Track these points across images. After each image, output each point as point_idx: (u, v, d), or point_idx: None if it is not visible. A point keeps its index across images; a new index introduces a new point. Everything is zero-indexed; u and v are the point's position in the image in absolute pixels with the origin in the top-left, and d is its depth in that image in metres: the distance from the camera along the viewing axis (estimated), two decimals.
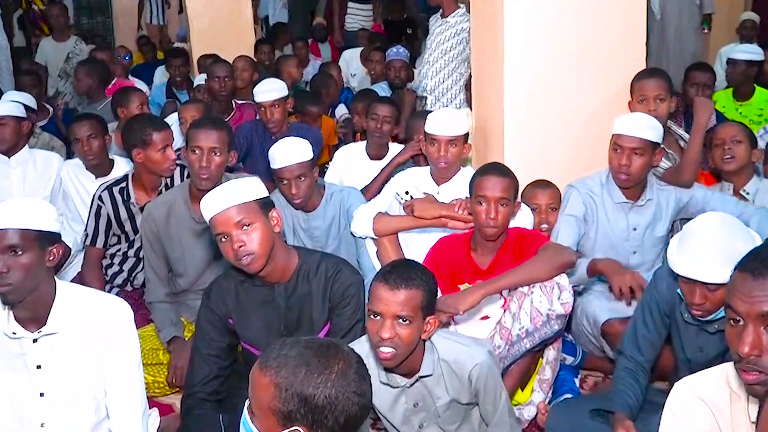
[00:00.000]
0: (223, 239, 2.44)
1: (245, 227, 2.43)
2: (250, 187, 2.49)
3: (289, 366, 1.62)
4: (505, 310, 2.93)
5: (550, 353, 3.04)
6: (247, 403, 1.69)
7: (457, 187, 3.46)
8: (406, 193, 3.46)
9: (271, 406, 1.61)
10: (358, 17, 9.58)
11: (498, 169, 3.01)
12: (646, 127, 3.23)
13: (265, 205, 2.50)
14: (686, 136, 3.77)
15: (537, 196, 3.47)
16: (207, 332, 2.67)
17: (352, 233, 3.48)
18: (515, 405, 2.94)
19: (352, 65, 8.12)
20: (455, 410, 2.41)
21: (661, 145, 3.33)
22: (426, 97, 5.23)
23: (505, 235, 2.99)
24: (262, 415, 1.63)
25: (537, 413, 2.95)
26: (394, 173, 3.94)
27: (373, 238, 3.43)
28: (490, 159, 3.88)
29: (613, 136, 3.29)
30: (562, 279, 2.87)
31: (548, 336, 2.87)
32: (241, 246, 2.42)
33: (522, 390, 3.01)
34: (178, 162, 3.80)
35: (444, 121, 3.49)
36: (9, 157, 4.30)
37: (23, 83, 6.29)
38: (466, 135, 3.54)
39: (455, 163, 3.51)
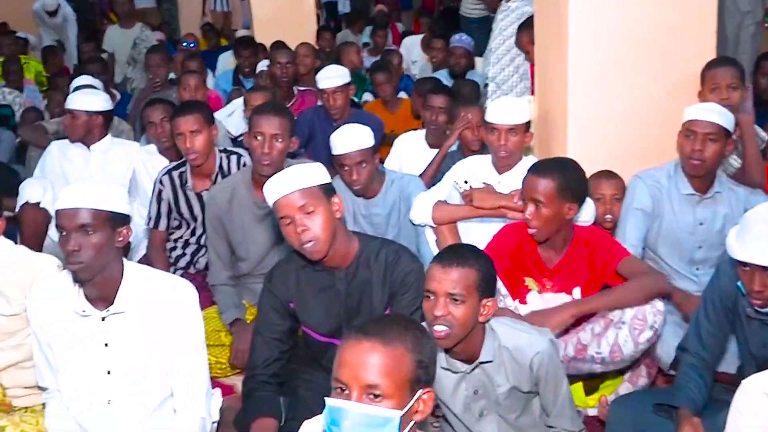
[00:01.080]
0: (287, 223, 2.47)
1: (309, 212, 2.45)
2: (313, 173, 2.51)
3: (407, 335, 1.69)
4: (587, 325, 2.88)
5: (641, 380, 3.04)
6: (351, 398, 1.64)
7: (519, 177, 3.39)
8: (465, 182, 3.44)
9: (406, 377, 1.65)
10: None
11: (543, 169, 2.92)
12: (720, 114, 3.16)
13: (328, 190, 2.52)
14: (761, 132, 3.68)
15: (602, 187, 3.42)
16: (268, 316, 2.70)
17: (411, 221, 3.49)
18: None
19: (413, 52, 8.10)
20: (516, 399, 2.40)
21: (734, 136, 3.26)
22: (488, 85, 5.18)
23: (572, 233, 2.95)
24: (394, 390, 1.64)
25: (599, 406, 2.92)
26: (455, 161, 3.93)
27: (432, 226, 3.43)
28: (553, 148, 3.84)
29: (684, 123, 3.22)
30: (657, 304, 2.82)
31: (619, 367, 2.89)
32: (304, 230, 2.44)
33: (586, 394, 2.99)
34: (232, 150, 3.85)
35: (504, 109, 3.45)
36: (89, 147, 4.37)
37: (91, 70, 6.44)
38: (528, 123, 3.50)
39: (516, 152, 3.47)
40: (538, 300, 2.97)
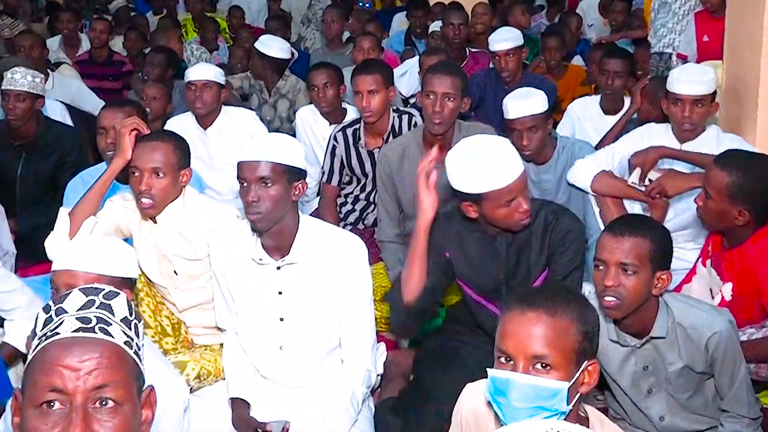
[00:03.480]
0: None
1: None
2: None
3: (571, 305, 1.66)
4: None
5: None
6: (517, 370, 1.62)
7: (701, 148, 3.23)
8: (648, 179, 3.20)
9: (572, 348, 1.63)
10: None
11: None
12: None
13: None
14: None
15: None
16: None
17: (567, 180, 3.39)
18: None
19: (589, 15, 7.80)
20: (688, 378, 2.30)
21: None
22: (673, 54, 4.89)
23: (751, 232, 2.65)
24: (561, 361, 1.62)
25: None
26: (627, 129, 3.77)
27: (592, 194, 3.31)
28: (742, 121, 3.61)
29: None
30: None
31: None
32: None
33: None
34: (404, 110, 3.87)
35: (690, 78, 3.23)
36: (205, 129, 4.25)
37: (272, 27, 6.66)
38: (714, 93, 3.28)
39: (701, 125, 3.27)
40: (708, 270, 2.82)
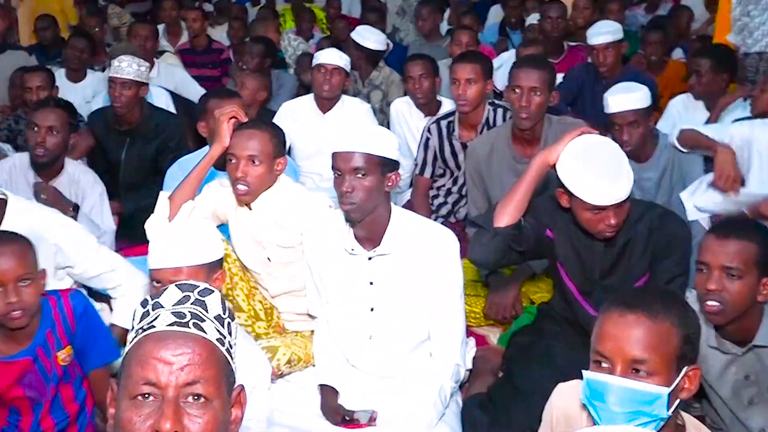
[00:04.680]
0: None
1: None
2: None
3: (673, 308, 1.61)
4: None
5: None
6: (615, 373, 1.58)
7: None
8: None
9: (673, 352, 1.59)
10: None
11: None
12: None
13: None
14: None
15: None
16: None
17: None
18: None
19: (696, 10, 7.55)
20: None
21: None
22: None
23: None
24: (661, 366, 1.58)
25: None
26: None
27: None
28: None
29: None
30: None
31: None
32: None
33: None
34: (500, 103, 3.84)
35: None
36: (324, 114, 4.40)
37: (369, 19, 6.69)
38: None
39: None
40: None
